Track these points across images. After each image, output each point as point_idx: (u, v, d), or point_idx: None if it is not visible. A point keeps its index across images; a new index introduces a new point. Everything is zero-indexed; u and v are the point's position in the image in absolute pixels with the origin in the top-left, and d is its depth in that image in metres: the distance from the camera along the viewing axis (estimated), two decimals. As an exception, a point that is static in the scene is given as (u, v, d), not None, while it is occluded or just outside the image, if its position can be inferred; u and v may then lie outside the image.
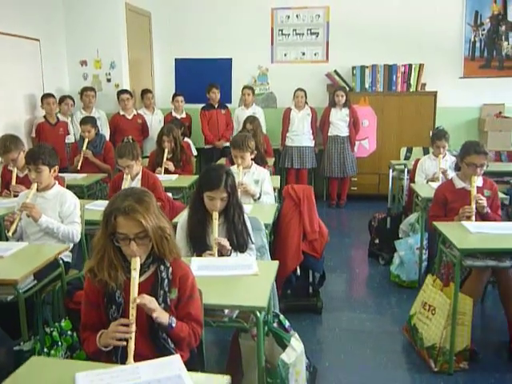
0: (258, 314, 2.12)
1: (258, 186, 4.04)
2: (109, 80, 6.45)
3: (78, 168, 5.20)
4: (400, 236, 4.39)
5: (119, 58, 6.38)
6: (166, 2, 7.23)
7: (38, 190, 3.20)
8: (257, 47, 7.22)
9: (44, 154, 3.14)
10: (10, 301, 2.43)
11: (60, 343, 2.52)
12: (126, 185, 4.00)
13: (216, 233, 2.70)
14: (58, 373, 1.59)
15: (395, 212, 4.78)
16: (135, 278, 1.79)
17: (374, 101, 6.84)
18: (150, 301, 1.79)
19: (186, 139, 6.27)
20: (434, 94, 6.68)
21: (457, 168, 3.56)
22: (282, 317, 2.73)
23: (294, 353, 2.29)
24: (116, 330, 1.74)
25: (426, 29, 6.80)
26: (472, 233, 2.98)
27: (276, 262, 2.68)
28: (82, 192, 4.57)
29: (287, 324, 2.72)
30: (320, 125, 6.75)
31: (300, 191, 3.65)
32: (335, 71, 6.95)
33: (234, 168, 4.09)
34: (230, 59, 7.36)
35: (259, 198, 3.97)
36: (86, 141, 5.26)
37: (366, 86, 6.88)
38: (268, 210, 3.60)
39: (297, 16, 7.13)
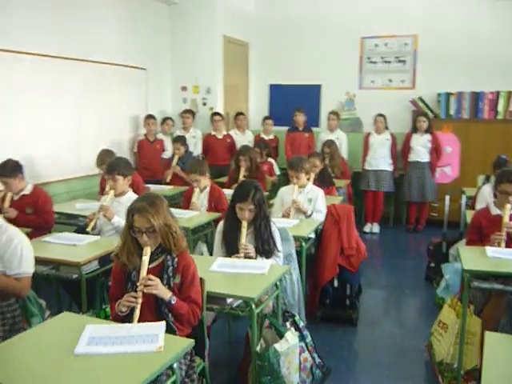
0: (253, 305, 2.53)
1: (310, 204, 4.41)
2: (204, 104, 7.23)
3: (168, 181, 5.96)
4: (450, 260, 4.50)
5: (214, 84, 7.14)
6: (262, 33, 7.90)
7: (115, 195, 3.90)
8: (345, 74, 7.58)
9: (119, 165, 3.84)
10: (74, 279, 3.09)
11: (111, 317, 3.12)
12: (195, 196, 4.61)
13: (244, 239, 3.15)
14: (76, 324, 2.14)
15: (451, 237, 4.85)
16: (145, 262, 2.31)
17: (459, 128, 6.84)
18: (155, 280, 2.30)
19: (270, 159, 6.81)
20: (522, 122, 6.55)
21: (494, 195, 3.66)
22: (297, 317, 3.11)
23: (287, 344, 2.66)
24: (127, 299, 2.27)
25: (516, 56, 6.71)
26: (488, 257, 3.11)
27: (285, 267, 3.04)
28: (166, 201, 5.27)
29: (301, 324, 3.09)
30: (401, 150, 6.92)
31: (340, 210, 3.98)
32: (420, 98, 7.08)
33: (290, 187, 4.53)
34: (320, 85, 7.80)
35: (311, 215, 4.35)
36: (176, 157, 6.02)
37: (452, 112, 6.93)
38: (309, 225, 3.97)
39: (385, 44, 7.38)
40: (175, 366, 1.94)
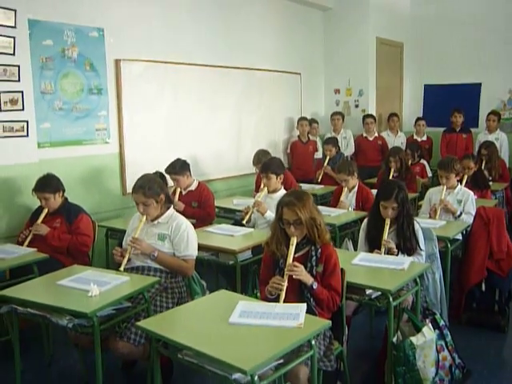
0: (390, 297, 2.67)
1: (460, 206, 4.36)
2: (356, 106, 7.39)
3: (319, 180, 6.22)
4: None
5: (367, 86, 7.26)
6: (417, 33, 7.82)
7: (268, 192, 4.26)
8: (508, 70, 7.17)
9: (273, 165, 4.21)
10: (231, 265, 3.50)
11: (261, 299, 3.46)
12: (343, 196, 4.81)
13: (386, 235, 3.28)
14: (230, 300, 2.48)
15: None
16: (291, 251, 2.59)
17: None
18: (299, 267, 2.56)
19: (422, 161, 6.71)
20: None
21: None
22: (437, 316, 3.16)
23: (423, 338, 2.74)
24: (273, 281, 2.57)
25: None
26: None
27: (425, 265, 3.11)
28: (315, 200, 5.54)
29: (442, 323, 3.13)
30: None
31: (490, 212, 3.88)
32: None
33: (439, 188, 4.51)
34: (479, 84, 7.46)
35: (459, 216, 4.29)
36: (328, 158, 6.26)
37: None
38: (456, 226, 3.94)
39: (557, 36, 6.84)
40: (313, 342, 2.17)
